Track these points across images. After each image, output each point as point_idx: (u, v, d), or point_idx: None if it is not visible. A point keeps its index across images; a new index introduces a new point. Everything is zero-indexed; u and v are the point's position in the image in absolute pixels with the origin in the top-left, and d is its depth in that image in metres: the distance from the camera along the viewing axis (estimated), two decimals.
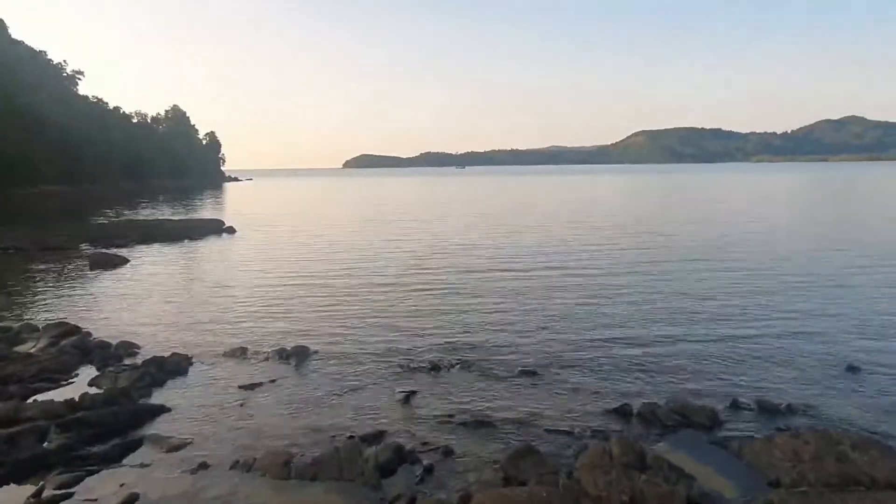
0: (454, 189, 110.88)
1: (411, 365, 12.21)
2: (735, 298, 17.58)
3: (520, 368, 11.92)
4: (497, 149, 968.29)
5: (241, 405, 10.29)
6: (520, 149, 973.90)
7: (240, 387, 11.09)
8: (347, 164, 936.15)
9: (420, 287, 19.93)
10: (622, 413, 9.70)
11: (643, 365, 12.05)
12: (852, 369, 11.63)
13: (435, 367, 12.04)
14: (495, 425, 9.35)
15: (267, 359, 12.71)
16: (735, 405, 9.94)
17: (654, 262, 24.14)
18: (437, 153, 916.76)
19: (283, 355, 12.79)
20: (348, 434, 9.04)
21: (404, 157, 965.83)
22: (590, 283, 19.99)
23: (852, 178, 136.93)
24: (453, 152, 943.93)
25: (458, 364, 12.23)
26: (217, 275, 23.11)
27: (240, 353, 12.97)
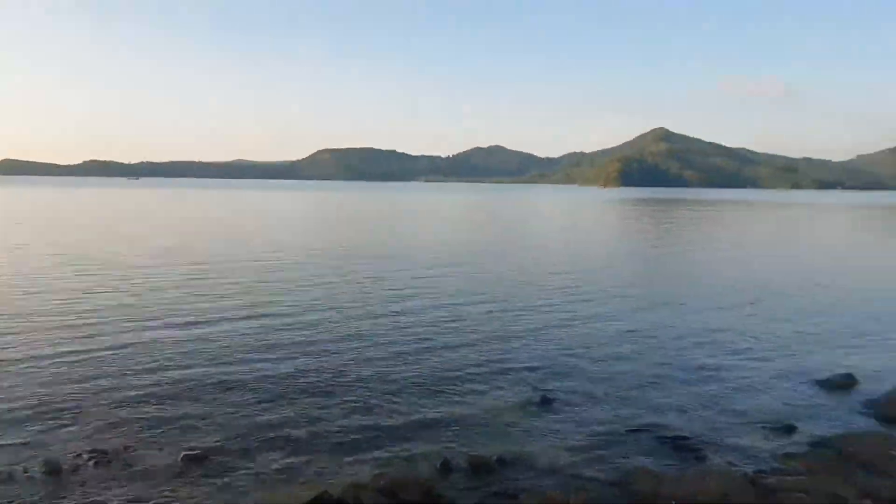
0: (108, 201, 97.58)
1: None
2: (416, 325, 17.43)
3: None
4: (177, 160, 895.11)
5: None
6: (203, 161, 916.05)
7: None
8: None
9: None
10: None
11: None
12: (546, 400, 11.76)
13: None
14: None
15: None
16: (447, 467, 8.91)
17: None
18: (106, 161, 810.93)
19: None
20: None
21: (62, 163, 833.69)
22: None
23: (515, 195, 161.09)
24: (126, 161, 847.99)
25: None
26: None
27: None
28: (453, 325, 17.65)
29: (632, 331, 17.47)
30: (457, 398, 11.77)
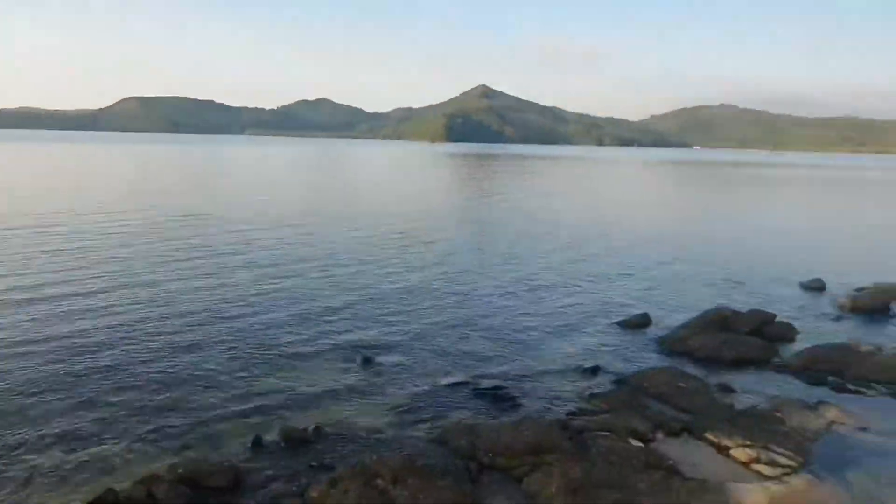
0: None
1: None
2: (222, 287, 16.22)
3: None
4: None
5: None
6: None
7: None
8: None
9: None
10: None
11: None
12: (367, 361, 11.43)
13: None
14: None
15: None
16: (259, 443, 8.23)
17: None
18: None
19: None
20: None
21: None
22: None
23: (346, 150, 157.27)
24: None
25: None
26: None
27: None
28: (272, 293, 16.60)
29: (447, 283, 17.73)
30: (274, 370, 11.02)
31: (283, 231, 26.40)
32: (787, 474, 7.76)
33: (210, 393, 9.90)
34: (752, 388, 10.73)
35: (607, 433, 8.48)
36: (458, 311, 15.02)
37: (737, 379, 11.14)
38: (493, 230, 28.96)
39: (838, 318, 15.47)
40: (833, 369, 11.57)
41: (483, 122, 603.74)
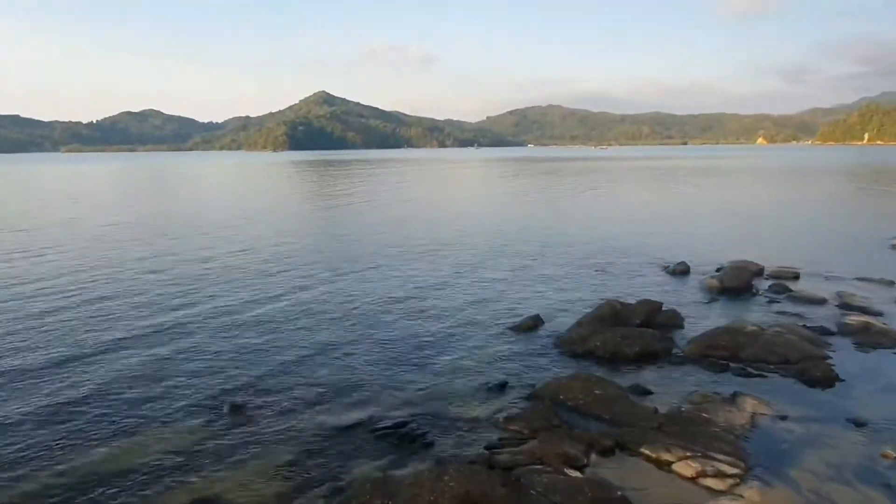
0: None
1: None
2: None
3: None
4: None
5: None
6: None
7: None
8: None
9: None
10: None
11: None
12: (237, 409, 9.37)
13: None
14: None
15: None
16: None
17: None
18: None
19: None
20: None
21: None
22: None
23: (172, 162, 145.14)
24: None
25: None
26: None
27: None
28: (95, 330, 13.72)
29: (315, 303, 15.87)
30: (113, 441, 8.57)
31: (98, 260, 22.72)
32: (735, 485, 7.06)
33: (25, 485, 7.39)
34: (665, 385, 10.18)
35: (539, 465, 7.32)
36: (335, 333, 13.26)
37: (646, 376, 10.57)
38: (349, 239, 27.20)
39: (711, 301, 15.75)
40: (729, 354, 11.41)
41: (325, 129, 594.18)
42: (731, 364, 11.04)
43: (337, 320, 14.22)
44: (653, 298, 15.64)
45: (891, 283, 17.26)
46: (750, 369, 10.82)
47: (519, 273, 19.26)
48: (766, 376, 10.54)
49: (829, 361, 10.98)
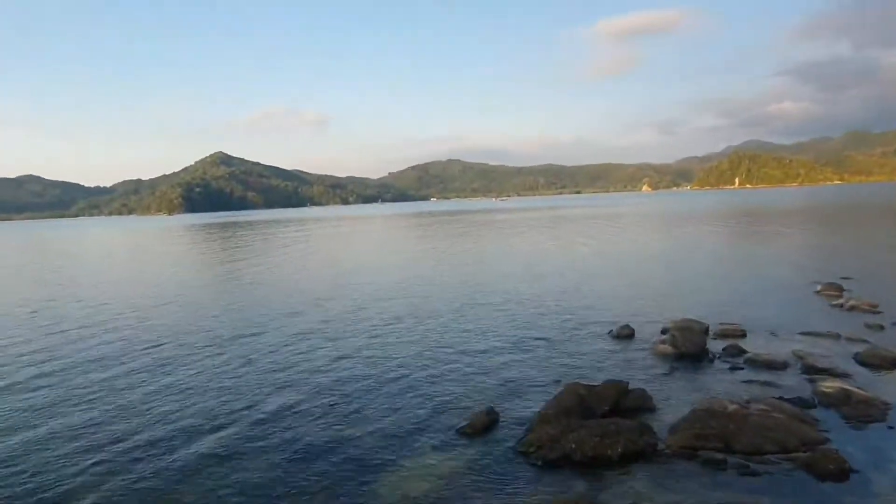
0: None
1: None
2: None
3: None
4: None
5: None
6: None
7: None
8: None
9: None
10: None
11: None
12: None
13: None
14: None
15: None
16: None
17: None
18: None
19: None
20: None
21: None
22: None
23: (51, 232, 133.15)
24: None
25: None
26: None
27: None
28: None
29: (219, 375, 13.15)
30: None
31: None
32: None
33: None
34: (667, 499, 8.41)
35: None
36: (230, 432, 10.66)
37: (640, 488, 8.77)
38: (250, 312, 24.28)
39: (672, 371, 14.39)
40: (721, 445, 9.89)
41: (224, 190, 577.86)
42: (728, 458, 9.47)
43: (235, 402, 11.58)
44: (606, 371, 14.33)
45: (838, 337, 16.70)
46: (751, 465, 9.27)
47: (454, 354, 17.13)
48: (772, 474, 9.01)
49: (831, 446, 9.66)
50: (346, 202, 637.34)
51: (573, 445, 9.83)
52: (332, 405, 12.79)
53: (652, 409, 11.77)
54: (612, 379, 12.60)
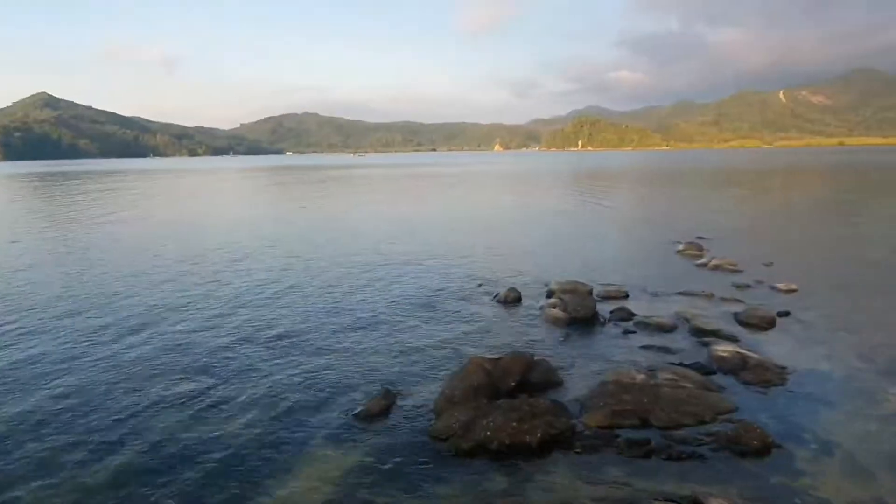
0: None
1: None
2: None
3: None
4: None
5: None
6: None
7: None
8: None
9: None
10: None
11: None
12: None
13: None
14: None
15: None
16: None
17: None
18: None
19: None
20: None
21: None
22: None
23: None
24: None
25: None
26: None
27: None
28: None
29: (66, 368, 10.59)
30: None
31: None
32: None
33: None
34: (601, 494, 7.55)
35: None
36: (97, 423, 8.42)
37: (569, 483, 7.85)
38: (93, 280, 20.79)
39: (567, 339, 13.77)
40: (638, 422, 9.31)
41: (50, 136, 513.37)
42: (651, 439, 8.84)
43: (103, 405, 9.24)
44: (500, 340, 13.57)
45: (712, 296, 17.14)
46: (675, 445, 8.70)
47: (322, 319, 15.45)
48: (699, 455, 8.45)
49: (744, 417, 9.39)
50: (193, 154, 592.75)
51: (488, 433, 8.71)
52: (192, 395, 10.68)
53: (559, 383, 10.99)
54: (516, 351, 11.64)
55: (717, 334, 13.53)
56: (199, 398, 10.51)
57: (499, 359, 11.08)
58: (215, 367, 12.02)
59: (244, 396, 10.58)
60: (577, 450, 8.59)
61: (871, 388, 10.46)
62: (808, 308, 15.76)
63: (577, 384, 10.92)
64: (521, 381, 10.65)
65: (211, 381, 11.29)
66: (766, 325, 14.32)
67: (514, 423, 8.82)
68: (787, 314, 15.18)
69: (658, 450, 8.54)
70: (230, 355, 12.68)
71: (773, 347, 12.73)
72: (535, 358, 11.43)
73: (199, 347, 13.21)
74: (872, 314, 15.19)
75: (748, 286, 18.36)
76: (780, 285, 18.01)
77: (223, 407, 10.16)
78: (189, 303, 17.15)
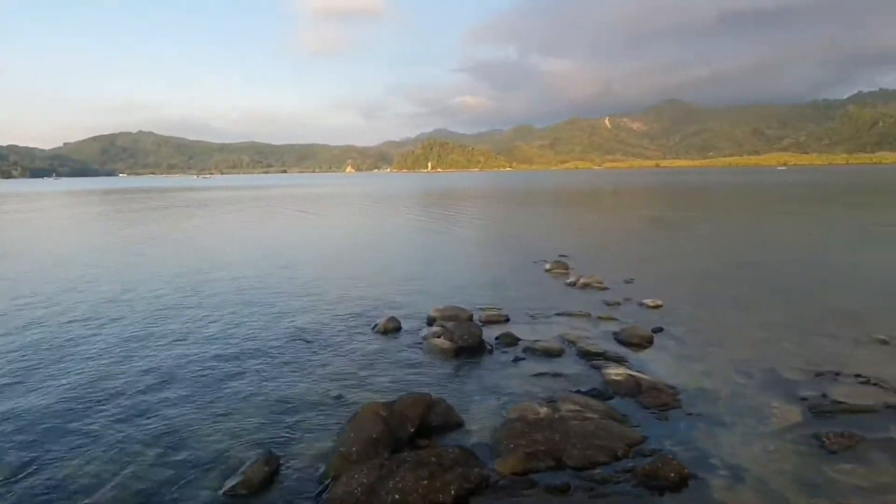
0: None
1: None
2: None
3: None
4: None
5: None
6: None
7: None
8: None
9: None
10: None
11: None
12: None
13: None
14: None
15: None
16: None
17: None
18: None
19: None
20: None
21: None
22: None
23: None
24: None
25: None
26: None
27: None
28: None
29: None
30: None
31: None
32: None
33: None
34: None
35: None
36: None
37: None
38: None
39: (458, 371, 12.97)
40: (553, 463, 8.71)
41: None
42: (570, 482, 8.24)
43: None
44: (387, 377, 12.58)
45: (589, 316, 17.32)
46: (594, 484, 8.17)
47: (180, 364, 13.47)
48: (620, 494, 7.99)
49: (654, 447, 9.13)
50: (8, 176, 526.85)
51: (397, 496, 7.60)
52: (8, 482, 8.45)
53: (460, 424, 10.13)
54: (411, 392, 10.64)
55: (604, 356, 13.47)
56: (24, 480, 8.33)
57: (394, 402, 10.01)
58: (44, 438, 9.74)
59: (81, 480, 8.55)
60: None
61: (756, 405, 10.71)
62: (677, 323, 16.34)
63: (479, 423, 10.14)
64: (421, 424, 9.67)
65: (41, 460, 9.06)
66: (646, 343, 14.55)
67: (425, 482, 7.80)
68: (660, 330, 15.60)
69: (577, 492, 7.94)
70: (64, 424, 10.40)
71: (657, 367, 12.85)
72: (433, 397, 10.49)
73: (19, 413, 10.73)
74: (734, 327, 16.03)
75: (618, 303, 18.83)
76: (648, 301, 18.65)
77: (54, 496, 8.09)
78: None
